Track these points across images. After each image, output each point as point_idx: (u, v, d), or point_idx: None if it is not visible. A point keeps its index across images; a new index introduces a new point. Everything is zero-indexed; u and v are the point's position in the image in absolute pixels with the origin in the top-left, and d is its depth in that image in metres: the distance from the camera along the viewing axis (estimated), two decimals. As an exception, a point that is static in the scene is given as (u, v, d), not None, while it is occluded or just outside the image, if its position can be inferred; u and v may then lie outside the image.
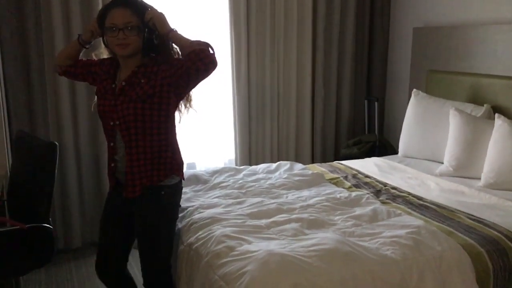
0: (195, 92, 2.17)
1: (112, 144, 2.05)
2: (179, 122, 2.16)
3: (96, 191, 3.44)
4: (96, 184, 3.43)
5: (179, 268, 2.13)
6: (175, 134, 2.10)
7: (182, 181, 2.15)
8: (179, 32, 1.98)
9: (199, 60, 1.87)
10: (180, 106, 2.14)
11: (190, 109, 2.20)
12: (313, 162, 4.01)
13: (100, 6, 3.19)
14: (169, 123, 2.04)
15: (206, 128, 3.88)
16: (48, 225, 2.28)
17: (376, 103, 4.07)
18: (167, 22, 1.98)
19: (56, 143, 2.32)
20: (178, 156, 2.11)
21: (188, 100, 2.16)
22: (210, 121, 3.89)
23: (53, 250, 2.33)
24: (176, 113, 2.12)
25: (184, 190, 2.35)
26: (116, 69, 2.09)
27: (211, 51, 1.92)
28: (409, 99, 3.56)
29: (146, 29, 1.94)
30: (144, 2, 2.01)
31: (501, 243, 2.04)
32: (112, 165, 2.08)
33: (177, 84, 1.96)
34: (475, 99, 3.25)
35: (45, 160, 2.31)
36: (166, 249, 2.11)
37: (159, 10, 1.99)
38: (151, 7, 2.00)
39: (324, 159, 4.11)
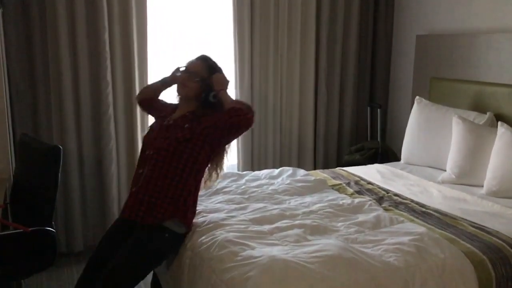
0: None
1: (141, 171, 2.21)
2: (204, 188, 2.37)
3: (99, 195, 3.45)
4: (99, 188, 3.44)
5: (181, 272, 2.12)
6: (196, 188, 2.23)
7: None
8: (227, 92, 2.27)
9: (236, 116, 2.14)
10: (208, 169, 2.31)
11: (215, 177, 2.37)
12: (315, 168, 4.02)
13: (105, 9, 3.22)
14: (193, 171, 2.18)
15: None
16: (51, 229, 2.28)
17: (378, 109, 4.07)
18: (225, 85, 2.29)
19: (60, 146, 2.33)
20: (191, 207, 2.22)
21: (218, 166, 2.33)
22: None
23: (55, 253, 2.34)
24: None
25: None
26: (175, 110, 2.37)
27: (248, 112, 2.17)
28: (411, 106, 3.57)
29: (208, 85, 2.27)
30: (219, 67, 2.36)
31: (504, 251, 2.04)
32: (133, 189, 2.19)
33: (213, 136, 2.18)
34: (478, 107, 3.26)
35: (49, 163, 2.32)
36: (131, 277, 2.04)
37: (227, 77, 2.33)
38: (221, 72, 2.34)
39: (326, 165, 4.11)
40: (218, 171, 2.35)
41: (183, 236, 2.19)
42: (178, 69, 2.40)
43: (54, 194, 2.32)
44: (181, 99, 2.36)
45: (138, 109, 3.47)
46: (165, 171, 2.13)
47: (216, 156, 2.30)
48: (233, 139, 2.30)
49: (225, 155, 2.34)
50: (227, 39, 3.77)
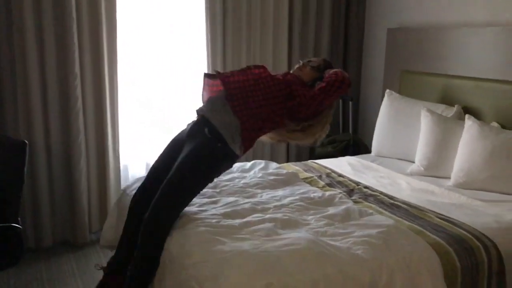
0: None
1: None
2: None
3: (68, 190, 3.38)
4: (68, 183, 3.38)
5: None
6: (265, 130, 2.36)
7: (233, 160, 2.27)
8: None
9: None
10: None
11: None
12: (288, 161, 4.03)
13: (73, 8, 3.15)
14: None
15: (182, 126, 3.85)
16: (17, 225, 2.23)
17: (350, 102, 4.10)
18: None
19: (26, 141, 2.28)
20: (250, 139, 2.27)
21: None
22: (183, 119, 3.86)
23: (22, 250, 2.29)
24: None
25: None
26: None
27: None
28: (382, 99, 3.61)
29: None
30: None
31: (469, 242, 2.08)
32: None
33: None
34: (447, 100, 3.32)
35: (14, 158, 2.26)
36: (180, 191, 2.09)
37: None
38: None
39: (299, 158, 4.13)
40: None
41: (233, 158, 2.21)
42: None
43: (20, 190, 2.27)
44: None
45: (108, 102, 3.41)
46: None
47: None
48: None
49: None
50: (199, 31, 3.73)
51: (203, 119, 2.33)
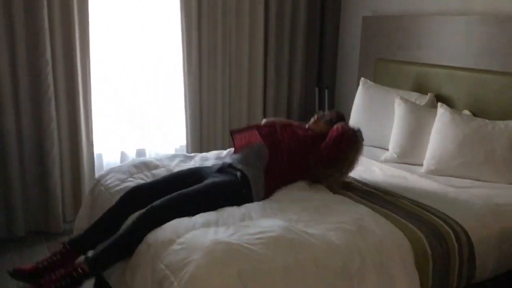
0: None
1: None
2: None
3: (40, 178, 3.32)
4: (40, 172, 3.31)
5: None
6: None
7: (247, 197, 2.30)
8: None
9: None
10: None
11: None
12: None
13: (45, 4, 3.07)
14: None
15: (156, 115, 3.82)
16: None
17: (326, 90, 4.12)
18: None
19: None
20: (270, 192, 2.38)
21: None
22: (161, 107, 3.83)
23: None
24: None
25: (136, 176, 2.49)
26: None
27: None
28: (357, 87, 3.64)
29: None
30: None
31: (440, 229, 2.12)
32: None
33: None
34: (420, 88, 3.36)
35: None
36: (189, 204, 2.15)
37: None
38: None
39: (275, 146, 4.13)
40: None
41: (246, 194, 2.26)
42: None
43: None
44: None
45: (81, 90, 3.35)
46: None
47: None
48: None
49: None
50: (173, 15, 3.68)
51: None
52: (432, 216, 2.22)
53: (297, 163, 2.49)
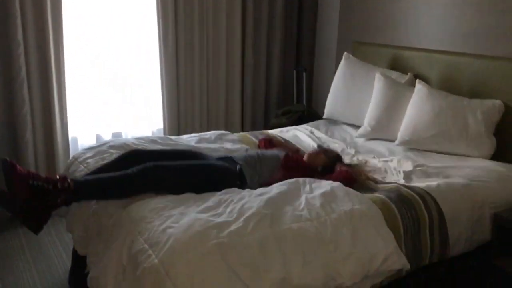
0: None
1: None
2: None
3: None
4: (13, 156, 3.23)
5: (105, 230, 2.06)
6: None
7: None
8: None
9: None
10: None
11: None
12: (243, 131, 4.02)
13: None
14: None
15: (133, 97, 3.77)
16: None
17: (304, 73, 4.12)
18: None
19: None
20: None
21: None
22: (137, 90, 3.78)
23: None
24: None
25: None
26: None
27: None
28: (335, 70, 3.63)
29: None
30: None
31: (408, 197, 2.17)
32: None
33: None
34: (397, 71, 3.37)
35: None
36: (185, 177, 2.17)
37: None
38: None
39: (254, 128, 4.13)
40: None
41: (239, 187, 2.23)
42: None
43: None
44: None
45: (54, 71, 3.27)
46: None
47: None
48: None
49: None
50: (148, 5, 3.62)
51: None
52: (401, 187, 2.26)
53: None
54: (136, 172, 2.08)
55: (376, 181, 2.45)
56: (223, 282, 1.61)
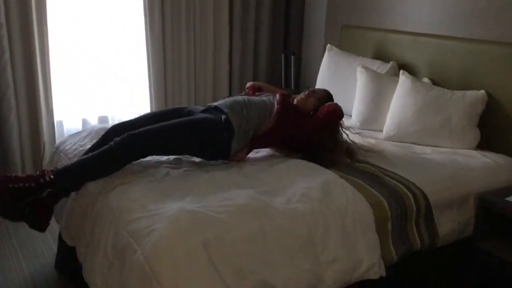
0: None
1: None
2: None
3: (-2, 146, 3.22)
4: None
5: (87, 220, 2.04)
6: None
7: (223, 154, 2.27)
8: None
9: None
10: None
11: None
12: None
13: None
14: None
15: (119, 81, 3.73)
16: None
17: (292, 57, 4.10)
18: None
19: None
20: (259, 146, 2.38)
21: None
22: (124, 73, 3.73)
23: None
24: None
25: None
26: None
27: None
28: (323, 54, 3.62)
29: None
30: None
31: (400, 191, 2.18)
32: None
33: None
34: (384, 55, 3.38)
35: None
36: (166, 137, 2.12)
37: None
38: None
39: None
40: None
41: (225, 152, 2.21)
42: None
43: None
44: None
45: (38, 53, 3.22)
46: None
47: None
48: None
49: None
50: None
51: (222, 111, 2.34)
52: (392, 180, 2.27)
53: (288, 143, 2.48)
54: (113, 145, 2.03)
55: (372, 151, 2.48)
56: (208, 282, 1.60)
